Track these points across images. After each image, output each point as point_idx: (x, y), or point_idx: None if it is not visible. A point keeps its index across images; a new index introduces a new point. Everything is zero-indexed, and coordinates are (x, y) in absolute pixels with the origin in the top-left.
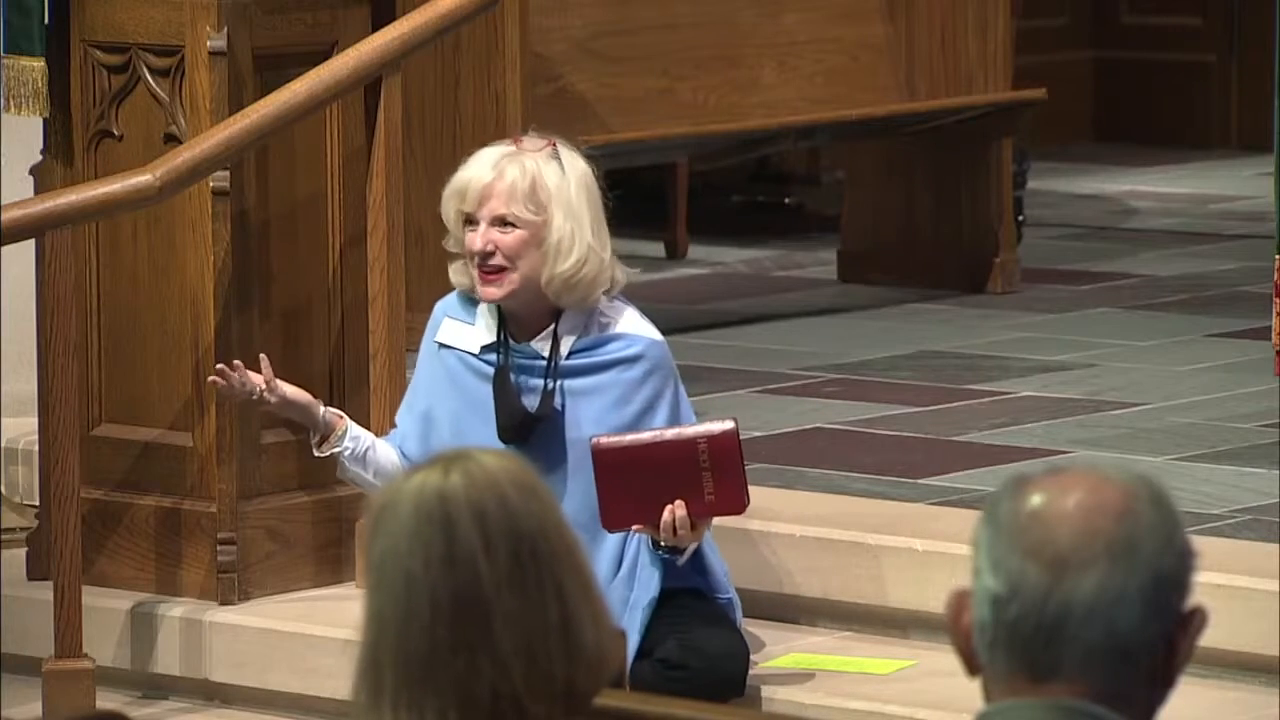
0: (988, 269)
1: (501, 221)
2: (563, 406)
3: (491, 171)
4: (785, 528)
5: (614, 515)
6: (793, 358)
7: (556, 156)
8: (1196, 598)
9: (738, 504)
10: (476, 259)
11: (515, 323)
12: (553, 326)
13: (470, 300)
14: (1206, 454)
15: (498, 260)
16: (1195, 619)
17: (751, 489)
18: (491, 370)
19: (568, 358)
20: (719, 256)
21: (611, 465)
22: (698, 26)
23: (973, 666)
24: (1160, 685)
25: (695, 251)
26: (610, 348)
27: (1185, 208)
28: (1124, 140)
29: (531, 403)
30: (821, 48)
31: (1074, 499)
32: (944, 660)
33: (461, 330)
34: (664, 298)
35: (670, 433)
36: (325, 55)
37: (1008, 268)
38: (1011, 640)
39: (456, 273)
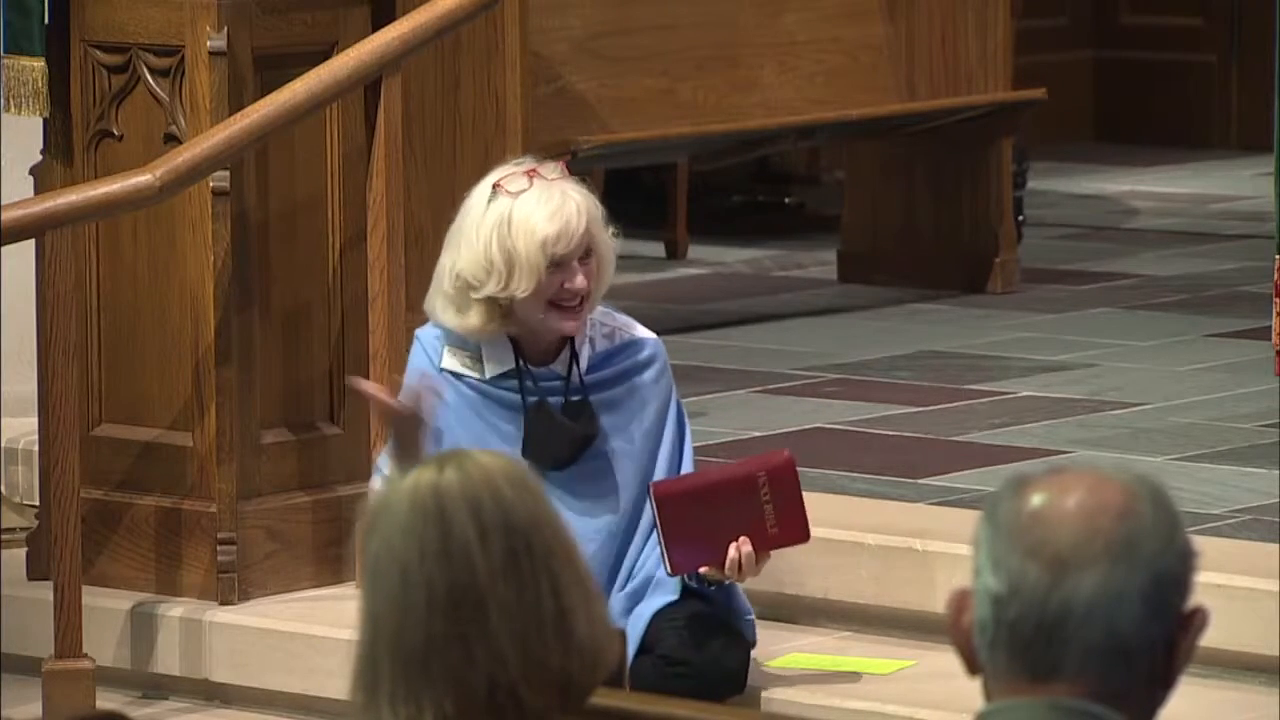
0: (988, 269)
1: (586, 254)
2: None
3: (575, 209)
4: None
5: (680, 558)
6: (793, 358)
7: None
8: (1197, 598)
9: (801, 533)
10: (565, 297)
11: (530, 348)
12: (568, 346)
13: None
14: (1206, 454)
15: (583, 291)
16: (1196, 619)
17: None
18: (510, 396)
19: (587, 373)
20: (719, 256)
21: (674, 509)
22: (698, 26)
23: (973, 666)
24: (1160, 685)
25: (695, 251)
26: (625, 355)
27: (1185, 208)
28: (1124, 140)
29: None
30: (821, 48)
31: (1074, 499)
32: (944, 660)
33: (465, 358)
34: (664, 298)
35: (729, 469)
36: (325, 55)
37: (1008, 268)
38: (1012, 640)
39: (465, 316)
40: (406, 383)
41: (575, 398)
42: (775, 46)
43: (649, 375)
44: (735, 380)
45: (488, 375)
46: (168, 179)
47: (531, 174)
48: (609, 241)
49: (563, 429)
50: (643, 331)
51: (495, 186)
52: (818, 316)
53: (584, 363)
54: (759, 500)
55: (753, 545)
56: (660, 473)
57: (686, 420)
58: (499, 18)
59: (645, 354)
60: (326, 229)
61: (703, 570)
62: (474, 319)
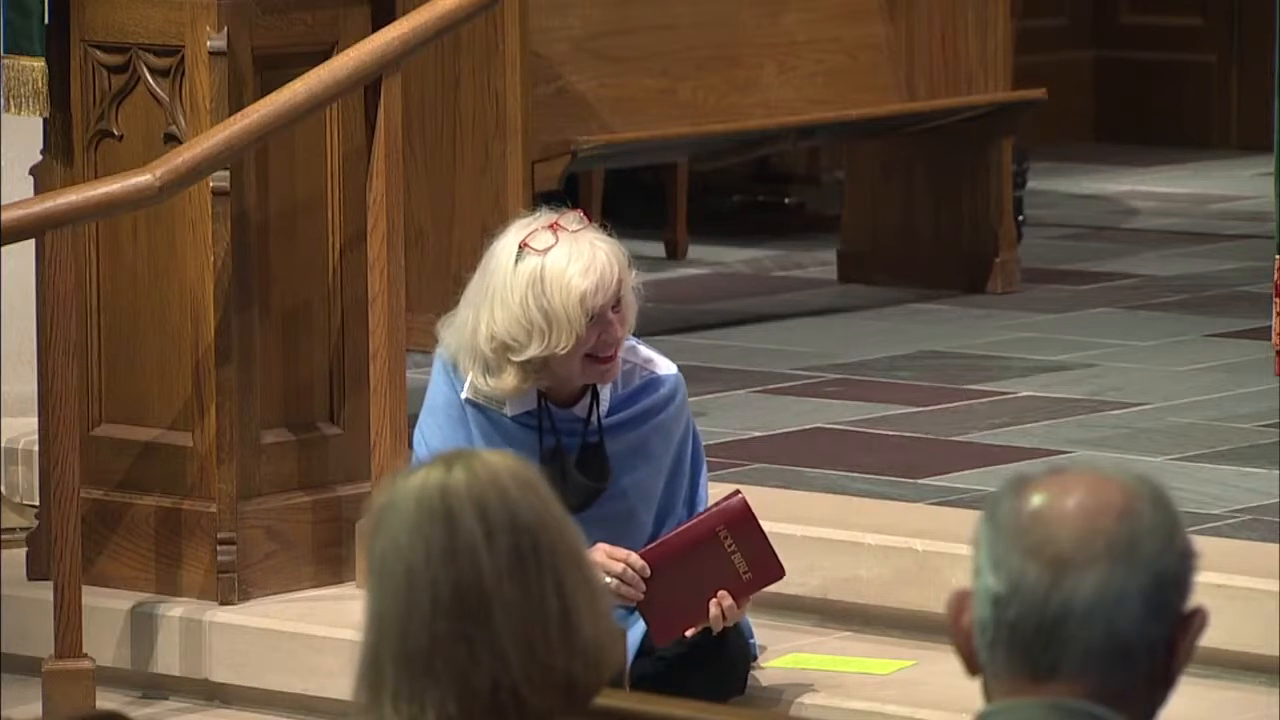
0: (988, 269)
1: (617, 302)
2: (614, 463)
3: (606, 260)
4: (785, 528)
5: (662, 627)
6: (793, 358)
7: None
8: (1197, 598)
9: (775, 573)
10: (601, 348)
11: (555, 393)
12: (590, 388)
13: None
14: (1206, 454)
15: (620, 341)
16: (1195, 619)
17: (752, 489)
18: (529, 435)
19: (607, 415)
20: (719, 256)
21: (648, 584)
22: (698, 26)
23: (973, 666)
24: (1160, 685)
25: (695, 251)
26: (644, 394)
27: (1185, 208)
28: (1124, 140)
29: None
30: (821, 48)
31: (1075, 499)
32: (944, 660)
33: (488, 393)
34: (664, 298)
35: (688, 530)
36: (325, 55)
37: (1008, 268)
38: (1012, 640)
39: (500, 377)
40: (431, 402)
41: (592, 440)
42: (775, 46)
43: (667, 415)
44: (735, 380)
45: (509, 413)
46: (168, 179)
47: (555, 228)
48: (632, 283)
49: (572, 479)
50: (663, 367)
51: (522, 245)
52: (818, 316)
53: (605, 405)
54: (725, 553)
55: (731, 596)
56: (674, 510)
57: (703, 455)
58: (499, 18)
59: (663, 393)
60: (326, 229)
61: (689, 633)
62: (509, 379)
